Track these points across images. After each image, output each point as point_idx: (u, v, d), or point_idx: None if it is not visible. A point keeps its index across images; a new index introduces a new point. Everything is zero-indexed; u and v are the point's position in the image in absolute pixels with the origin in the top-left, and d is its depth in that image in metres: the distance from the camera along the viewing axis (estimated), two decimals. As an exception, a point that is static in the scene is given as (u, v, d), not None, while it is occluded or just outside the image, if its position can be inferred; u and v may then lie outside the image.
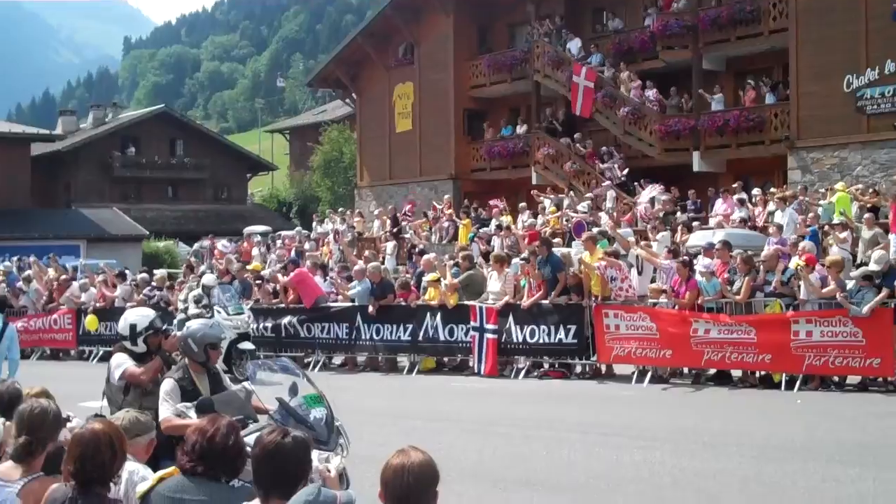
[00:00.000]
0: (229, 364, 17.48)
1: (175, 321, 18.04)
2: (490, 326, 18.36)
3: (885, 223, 22.05)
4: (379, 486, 4.19)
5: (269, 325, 21.54)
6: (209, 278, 20.52)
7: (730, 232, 21.98)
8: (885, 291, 14.80)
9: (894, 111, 27.83)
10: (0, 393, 6.54)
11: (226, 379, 8.31)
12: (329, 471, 6.00)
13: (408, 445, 4.27)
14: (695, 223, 25.28)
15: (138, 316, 8.60)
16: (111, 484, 4.99)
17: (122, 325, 8.48)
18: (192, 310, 18.40)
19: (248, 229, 39.60)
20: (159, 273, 25.93)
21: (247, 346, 17.94)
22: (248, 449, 5.67)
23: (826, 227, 22.30)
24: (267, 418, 7.34)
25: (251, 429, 7.03)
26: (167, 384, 7.74)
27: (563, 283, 17.99)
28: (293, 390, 7.63)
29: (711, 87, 32.41)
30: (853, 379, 15.42)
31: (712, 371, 16.70)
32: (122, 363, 8.22)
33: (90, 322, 21.58)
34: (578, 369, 18.12)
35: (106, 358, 21.12)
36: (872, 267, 15.57)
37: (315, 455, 6.63)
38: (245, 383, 7.83)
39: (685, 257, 17.85)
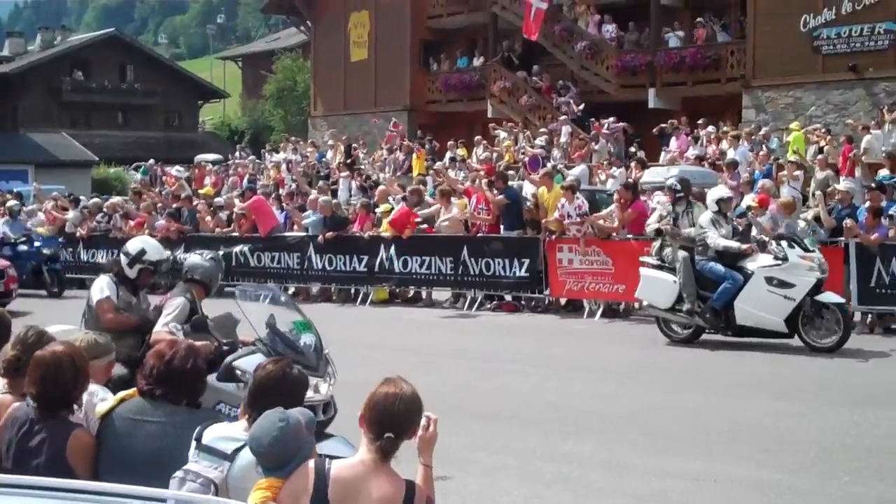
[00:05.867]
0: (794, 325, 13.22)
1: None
2: None
3: (836, 164, 22.24)
4: (360, 411, 4.22)
5: (220, 253, 21.34)
6: (721, 190, 15.04)
7: (683, 169, 22.04)
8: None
9: (850, 52, 27.99)
10: None
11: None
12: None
13: (396, 375, 4.30)
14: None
15: (154, 246, 8.52)
16: (74, 406, 4.95)
17: (133, 246, 8.35)
18: (717, 240, 13.59)
19: (199, 157, 39.19)
20: (111, 200, 25.67)
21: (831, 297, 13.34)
22: (239, 372, 5.62)
23: (780, 162, 22.46)
24: (258, 342, 7.29)
25: (241, 353, 7.03)
26: (178, 302, 7.74)
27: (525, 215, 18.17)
28: (276, 318, 7.60)
29: (670, 23, 32.36)
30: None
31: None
32: (104, 288, 8.11)
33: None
34: (532, 303, 18.21)
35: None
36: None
37: None
38: (231, 311, 7.83)
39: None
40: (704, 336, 14.11)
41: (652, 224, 15.04)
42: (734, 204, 16.09)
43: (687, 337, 14.18)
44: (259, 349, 7.08)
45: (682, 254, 13.95)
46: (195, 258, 8.30)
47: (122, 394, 5.11)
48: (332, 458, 4.25)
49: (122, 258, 8.31)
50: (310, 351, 7.23)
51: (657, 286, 14.26)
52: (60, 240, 23.32)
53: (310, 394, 6.88)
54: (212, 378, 6.93)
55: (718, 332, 13.93)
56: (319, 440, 6.25)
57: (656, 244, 14.62)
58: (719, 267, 13.60)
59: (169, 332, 7.39)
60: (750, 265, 13.44)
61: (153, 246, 8.52)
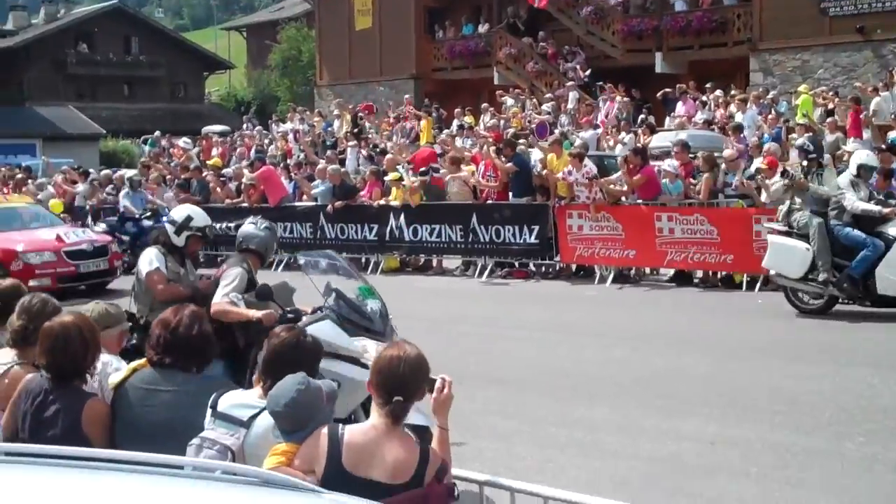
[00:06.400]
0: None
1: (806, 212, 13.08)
2: None
3: (844, 126, 22.11)
4: (368, 377, 4.23)
5: (231, 224, 21.31)
6: (866, 155, 13.61)
7: (692, 133, 21.95)
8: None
9: (857, 13, 27.76)
10: None
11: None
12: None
13: (400, 339, 4.31)
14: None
15: (199, 212, 8.34)
16: (87, 376, 4.96)
17: (179, 213, 8.21)
18: (856, 202, 12.59)
19: (206, 129, 39.09)
20: (119, 173, 25.65)
21: None
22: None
23: (790, 125, 22.34)
24: (326, 309, 7.23)
25: (308, 319, 6.96)
26: (235, 272, 7.55)
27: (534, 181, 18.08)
28: (339, 284, 7.56)
29: (675, -15, 32.14)
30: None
31: (671, 272, 16.79)
32: (152, 259, 7.91)
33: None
34: (543, 269, 18.18)
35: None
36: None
37: (373, 346, 6.65)
38: (286, 280, 7.82)
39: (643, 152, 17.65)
40: (838, 307, 13.11)
41: (777, 184, 14.12)
42: (743, 166, 16.10)
43: (819, 308, 13.11)
44: (328, 315, 7.03)
45: (816, 220, 12.80)
46: (249, 227, 8.04)
47: (134, 364, 5.10)
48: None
49: (169, 227, 8.13)
50: (377, 317, 7.22)
51: (787, 254, 13.09)
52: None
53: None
54: None
55: (856, 302, 12.90)
56: None
57: (783, 208, 13.48)
58: (858, 233, 12.58)
59: (230, 303, 7.31)
60: (892, 230, 12.42)
61: (198, 213, 8.31)
